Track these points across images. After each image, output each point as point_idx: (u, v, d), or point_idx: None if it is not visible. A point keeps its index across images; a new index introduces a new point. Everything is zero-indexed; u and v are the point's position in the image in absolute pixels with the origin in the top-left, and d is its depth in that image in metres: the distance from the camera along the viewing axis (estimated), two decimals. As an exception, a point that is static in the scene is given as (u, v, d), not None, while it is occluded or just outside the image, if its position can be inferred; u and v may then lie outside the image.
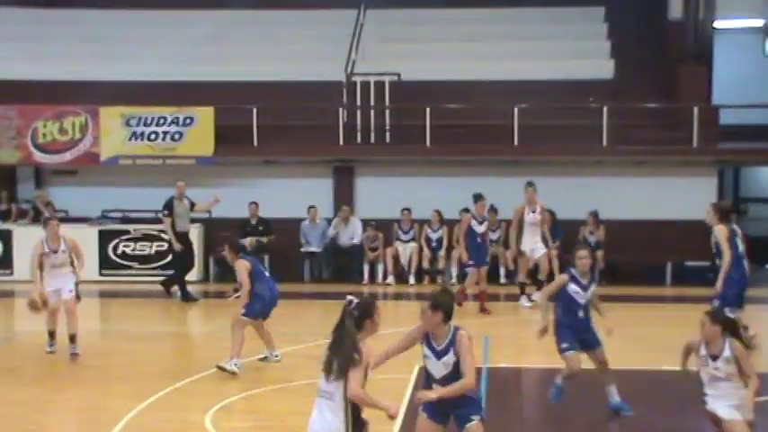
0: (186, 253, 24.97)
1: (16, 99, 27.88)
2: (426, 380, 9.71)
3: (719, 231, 17.16)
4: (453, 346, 9.49)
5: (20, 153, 27.94)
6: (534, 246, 22.81)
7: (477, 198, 22.78)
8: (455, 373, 9.52)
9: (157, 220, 27.27)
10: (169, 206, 24.44)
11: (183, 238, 24.76)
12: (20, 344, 21.20)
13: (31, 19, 31.46)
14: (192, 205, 24.88)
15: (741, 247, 17.28)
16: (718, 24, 29.18)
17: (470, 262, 22.78)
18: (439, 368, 9.62)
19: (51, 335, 18.27)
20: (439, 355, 9.58)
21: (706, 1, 28.06)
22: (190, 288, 24.74)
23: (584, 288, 13.49)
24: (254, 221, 26.77)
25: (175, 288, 24.82)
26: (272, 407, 13.84)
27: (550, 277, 21.07)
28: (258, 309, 16.70)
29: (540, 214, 22.86)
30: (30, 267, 17.70)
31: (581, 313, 13.55)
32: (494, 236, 25.78)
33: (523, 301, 23.12)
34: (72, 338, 17.91)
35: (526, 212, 22.85)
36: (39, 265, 17.54)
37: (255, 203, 26.17)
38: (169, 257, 26.51)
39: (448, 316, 9.46)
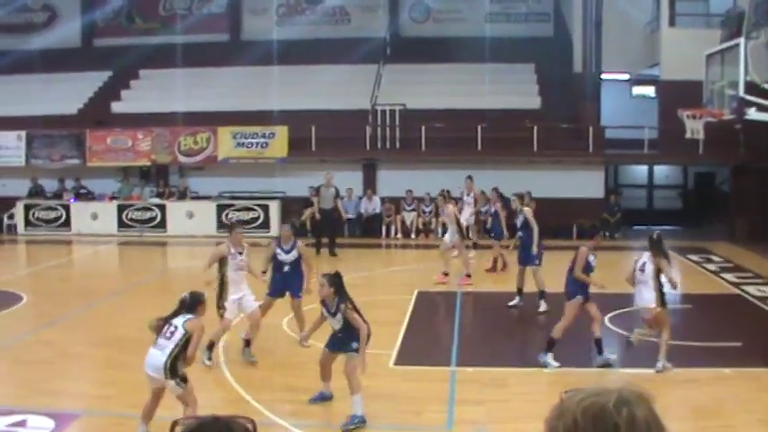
0: (324, 223, 23.19)
1: (168, 124, 28.03)
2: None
3: (528, 212, 16.14)
4: (339, 311, 9.54)
5: (170, 157, 28.02)
6: (468, 218, 22.51)
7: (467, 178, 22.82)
8: (346, 327, 9.54)
9: (251, 198, 27.46)
10: (317, 190, 23.51)
11: (325, 213, 23.05)
12: (171, 275, 21.32)
13: (179, 75, 31.36)
14: (337, 192, 23.37)
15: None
16: (603, 76, 29.05)
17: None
18: (334, 323, 9.72)
19: (211, 347, 11.90)
20: (332, 315, 9.65)
21: (596, 61, 27.93)
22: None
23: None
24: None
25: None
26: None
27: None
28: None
29: (473, 198, 22.62)
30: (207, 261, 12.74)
31: None
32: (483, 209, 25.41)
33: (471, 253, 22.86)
34: (247, 343, 12.30)
35: (464, 195, 22.61)
36: (209, 265, 12.55)
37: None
38: (260, 222, 26.77)
39: (337, 290, 9.52)
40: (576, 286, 11.83)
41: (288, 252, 12.79)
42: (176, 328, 8.90)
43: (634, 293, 11.88)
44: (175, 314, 9.08)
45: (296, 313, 12.89)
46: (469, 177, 22.71)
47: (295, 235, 13.15)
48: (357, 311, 9.59)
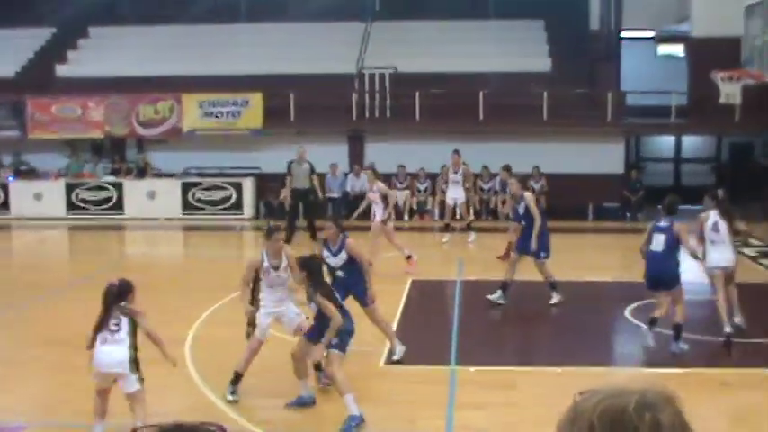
0: (298, 205, 22.94)
1: (125, 90, 27.86)
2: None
3: (529, 197, 15.49)
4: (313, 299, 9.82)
5: (127, 128, 27.92)
6: (456, 196, 22.49)
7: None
8: (320, 316, 9.86)
9: (221, 175, 27.43)
10: (289, 167, 22.99)
11: (299, 193, 22.73)
12: (128, 264, 21.28)
13: (135, 33, 31.33)
14: (312, 169, 22.94)
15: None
16: (624, 34, 29.04)
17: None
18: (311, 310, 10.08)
19: (237, 378, 10.67)
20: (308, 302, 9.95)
21: (615, 17, 27.89)
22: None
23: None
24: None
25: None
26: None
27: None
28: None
29: (462, 175, 22.37)
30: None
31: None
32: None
33: (444, 238, 22.76)
34: (317, 366, 10.97)
35: (450, 173, 22.51)
36: (248, 282, 11.25)
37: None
38: (231, 202, 26.77)
39: (311, 274, 9.79)
40: (677, 271, 12.16)
41: (336, 254, 11.72)
42: (119, 319, 9.08)
43: (707, 255, 12.42)
44: (108, 307, 9.20)
45: (375, 323, 11.95)
46: (456, 152, 22.54)
47: (342, 230, 11.80)
48: (331, 299, 9.71)
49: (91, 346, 9.10)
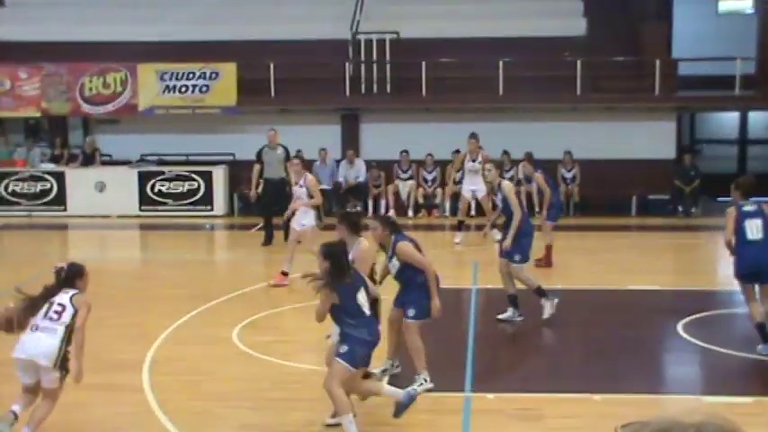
0: (272, 198, 22.69)
1: (65, 58, 27.85)
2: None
3: (507, 187, 15.43)
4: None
5: (70, 105, 27.95)
6: (475, 187, 22.33)
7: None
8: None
9: (187, 162, 27.47)
10: (259, 154, 23.04)
11: (272, 184, 22.74)
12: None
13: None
14: (287, 154, 22.81)
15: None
16: (677, -13, 29.14)
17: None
18: None
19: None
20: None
21: (666, -34, 27.97)
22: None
23: None
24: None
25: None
26: (288, 325, 13.96)
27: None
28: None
29: (481, 163, 21.74)
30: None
31: None
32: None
33: (456, 237, 22.82)
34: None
35: (467, 160, 22.47)
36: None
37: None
38: (199, 196, 26.80)
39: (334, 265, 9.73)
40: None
41: (391, 257, 11.79)
42: (63, 306, 9.44)
43: None
44: (53, 291, 9.59)
45: (408, 343, 11.93)
46: (473, 135, 22.48)
47: (394, 231, 11.83)
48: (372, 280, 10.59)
49: (11, 329, 9.43)
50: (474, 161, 22.24)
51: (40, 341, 9.32)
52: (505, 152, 26.48)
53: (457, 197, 24.31)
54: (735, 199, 12.67)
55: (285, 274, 17.82)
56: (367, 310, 9.90)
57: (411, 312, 11.47)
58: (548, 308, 14.86)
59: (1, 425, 9.37)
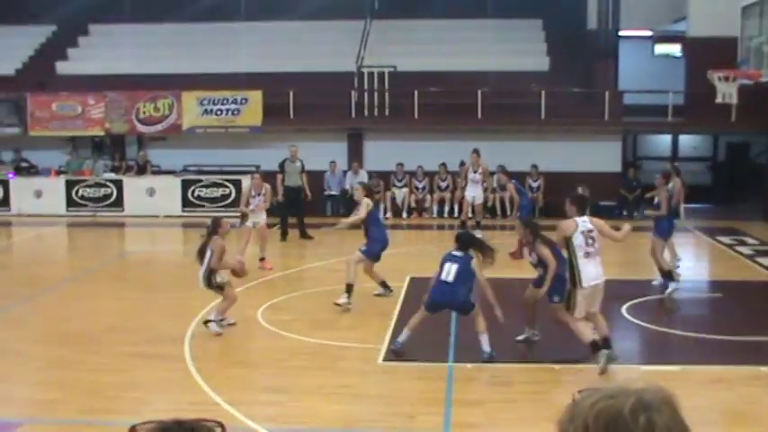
0: (290, 202, 22.64)
1: (124, 88, 27.82)
2: None
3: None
4: None
5: (127, 126, 27.87)
6: (475, 194, 22.50)
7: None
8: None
9: (221, 172, 27.41)
10: (282, 165, 23.01)
11: (291, 191, 22.59)
12: (128, 260, 21.30)
13: (136, 31, 31.34)
14: (303, 167, 22.82)
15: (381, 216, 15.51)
16: (621, 33, 29.00)
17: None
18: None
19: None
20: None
21: (613, 16, 27.85)
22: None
23: None
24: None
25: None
26: (303, 306, 13.89)
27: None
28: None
29: (481, 174, 22.40)
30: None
31: None
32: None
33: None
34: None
35: (470, 171, 22.53)
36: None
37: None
38: (231, 200, 26.73)
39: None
40: None
41: (531, 252, 12.15)
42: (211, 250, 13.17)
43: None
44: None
45: (558, 318, 11.66)
46: (476, 151, 22.69)
47: (534, 232, 12.15)
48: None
49: None
50: (475, 172, 22.41)
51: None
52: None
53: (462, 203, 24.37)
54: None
55: (263, 259, 18.34)
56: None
57: (556, 298, 11.57)
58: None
59: None
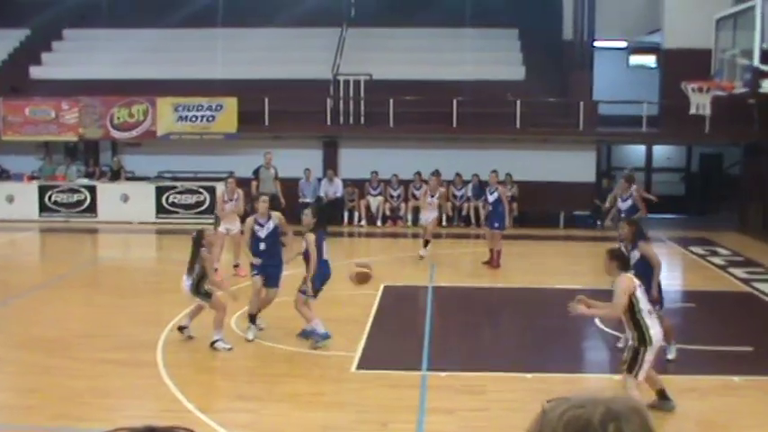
0: None
1: (99, 93, 27.70)
2: None
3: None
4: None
5: (101, 131, 27.75)
6: (428, 217, 20.98)
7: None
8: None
9: (196, 179, 27.34)
10: (256, 172, 23.40)
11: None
12: (101, 266, 21.19)
13: (111, 36, 31.21)
14: (277, 174, 23.27)
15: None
16: (596, 44, 29.16)
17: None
18: None
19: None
20: None
21: (588, 27, 28.00)
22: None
23: None
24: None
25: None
26: (276, 314, 13.83)
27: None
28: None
29: (438, 199, 21.17)
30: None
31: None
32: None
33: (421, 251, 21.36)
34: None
35: (428, 196, 21.17)
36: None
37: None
38: (205, 206, 26.66)
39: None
40: None
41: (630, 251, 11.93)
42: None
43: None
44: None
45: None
46: (435, 173, 22.93)
47: (636, 232, 12.19)
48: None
49: None
50: (433, 196, 21.03)
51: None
52: (458, 174, 26.57)
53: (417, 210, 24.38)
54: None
55: (237, 266, 18.37)
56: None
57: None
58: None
59: None
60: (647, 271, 11.51)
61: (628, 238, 11.87)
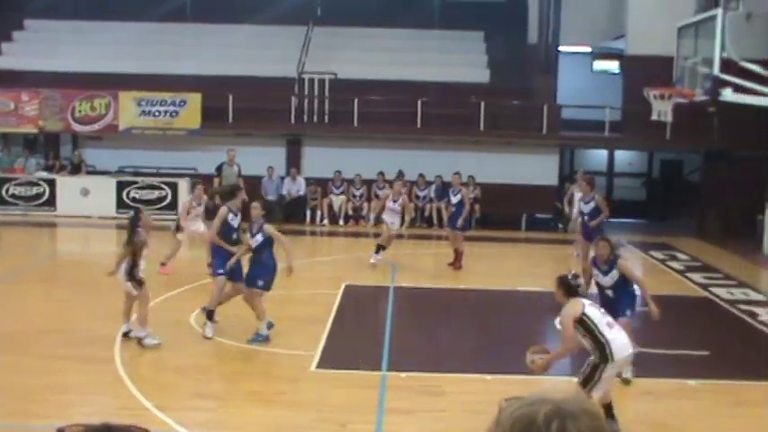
0: None
1: (60, 85, 27.44)
2: None
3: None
4: None
5: (62, 124, 27.50)
6: (392, 221, 20.01)
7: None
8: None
9: (157, 174, 27.18)
10: (219, 169, 23.18)
11: None
12: (59, 261, 21.02)
13: (74, 28, 30.98)
14: (240, 171, 22.97)
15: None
16: (561, 48, 29.32)
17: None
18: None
19: None
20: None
21: (554, 32, 28.15)
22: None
23: None
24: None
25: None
26: (235, 312, 13.79)
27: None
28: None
29: (401, 205, 19.89)
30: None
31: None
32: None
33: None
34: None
35: (390, 200, 20.12)
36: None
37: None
38: (167, 202, 26.53)
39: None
40: None
41: (607, 273, 11.54)
42: None
43: None
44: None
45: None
46: (400, 177, 22.83)
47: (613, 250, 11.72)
48: None
49: None
50: (395, 201, 19.93)
51: None
52: (421, 175, 26.62)
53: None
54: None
55: (164, 264, 18.08)
56: None
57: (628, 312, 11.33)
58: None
59: None
60: (625, 288, 11.34)
61: (605, 257, 11.32)
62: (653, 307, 11.02)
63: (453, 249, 19.75)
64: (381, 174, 26.53)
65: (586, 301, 9.35)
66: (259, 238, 12.71)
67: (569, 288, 9.31)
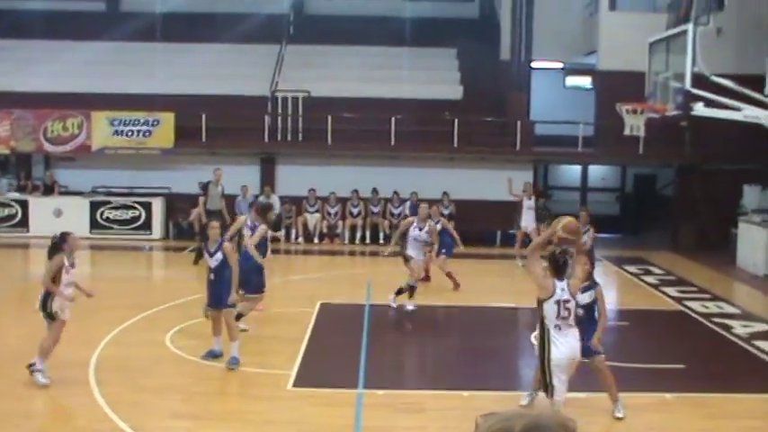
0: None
1: (32, 105, 27.32)
2: None
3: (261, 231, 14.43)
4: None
5: (34, 144, 27.38)
6: (419, 256, 17.97)
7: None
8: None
9: (131, 194, 27.08)
10: (205, 188, 23.13)
11: (213, 214, 21.34)
12: (32, 283, 20.86)
13: (46, 47, 30.85)
14: (223, 192, 23.07)
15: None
16: (534, 65, 29.49)
17: None
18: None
19: None
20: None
21: (526, 48, 28.29)
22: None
23: None
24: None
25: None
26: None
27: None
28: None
29: (428, 233, 17.63)
30: None
31: None
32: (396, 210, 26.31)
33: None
34: None
35: (413, 228, 17.56)
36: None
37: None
38: (140, 222, 26.48)
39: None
40: None
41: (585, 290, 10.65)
42: None
43: None
44: None
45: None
46: (436, 204, 22.66)
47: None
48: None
49: None
50: (421, 230, 17.58)
51: None
52: (395, 192, 26.66)
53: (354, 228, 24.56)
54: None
55: None
56: None
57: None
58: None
59: None
60: (593, 316, 10.70)
61: (584, 277, 10.27)
62: (599, 337, 10.59)
63: (446, 275, 19.60)
64: (356, 191, 26.59)
65: (560, 292, 9.35)
66: (219, 256, 12.61)
67: (555, 268, 9.44)
